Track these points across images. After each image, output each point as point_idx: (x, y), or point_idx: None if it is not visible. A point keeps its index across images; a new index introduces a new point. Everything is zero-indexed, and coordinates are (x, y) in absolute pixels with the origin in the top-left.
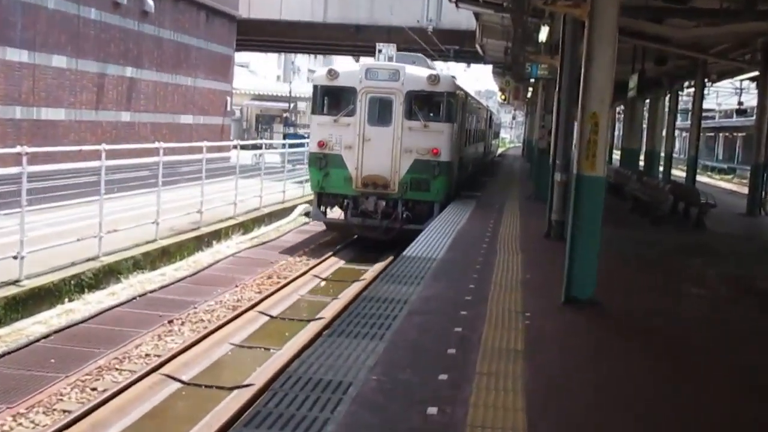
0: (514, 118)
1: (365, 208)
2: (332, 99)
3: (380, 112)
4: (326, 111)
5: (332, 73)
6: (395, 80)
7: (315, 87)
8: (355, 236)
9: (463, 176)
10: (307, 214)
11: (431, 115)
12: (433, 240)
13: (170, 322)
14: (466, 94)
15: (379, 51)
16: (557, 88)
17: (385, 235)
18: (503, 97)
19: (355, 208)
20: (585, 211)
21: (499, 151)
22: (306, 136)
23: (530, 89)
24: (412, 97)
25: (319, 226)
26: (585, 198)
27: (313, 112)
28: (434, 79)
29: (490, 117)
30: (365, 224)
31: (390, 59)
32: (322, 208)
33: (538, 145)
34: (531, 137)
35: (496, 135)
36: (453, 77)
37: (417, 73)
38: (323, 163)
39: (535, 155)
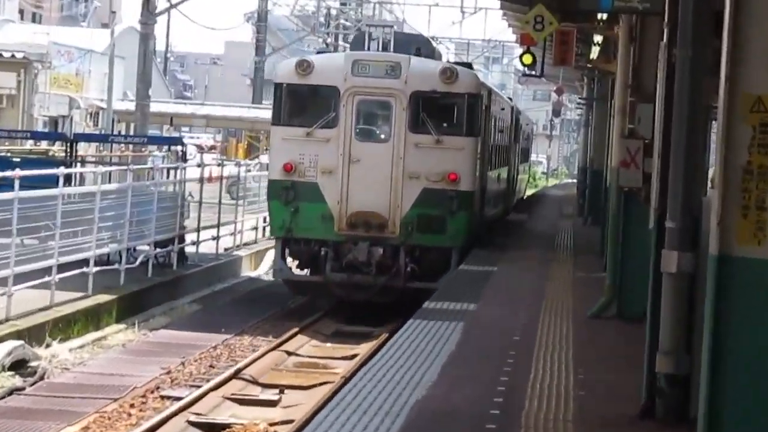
0: (557, 115)
1: (353, 258)
2: (304, 103)
3: (374, 121)
4: (295, 121)
5: (304, 67)
6: (395, 77)
7: (278, 86)
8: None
9: (488, 216)
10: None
11: (446, 125)
12: None
13: None
14: (490, 92)
15: (370, 36)
16: (664, 38)
17: (381, 298)
18: (528, 62)
19: (338, 259)
20: (744, 350)
21: (527, 191)
22: (13, 161)
23: (597, 41)
24: (419, 100)
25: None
26: (743, 316)
27: (276, 121)
28: (450, 74)
29: (517, 120)
30: (353, 282)
31: (385, 47)
32: (290, 260)
33: (619, 180)
34: (599, 159)
35: (525, 155)
36: (469, 66)
37: (425, 66)
38: (290, 195)
39: (613, 205)
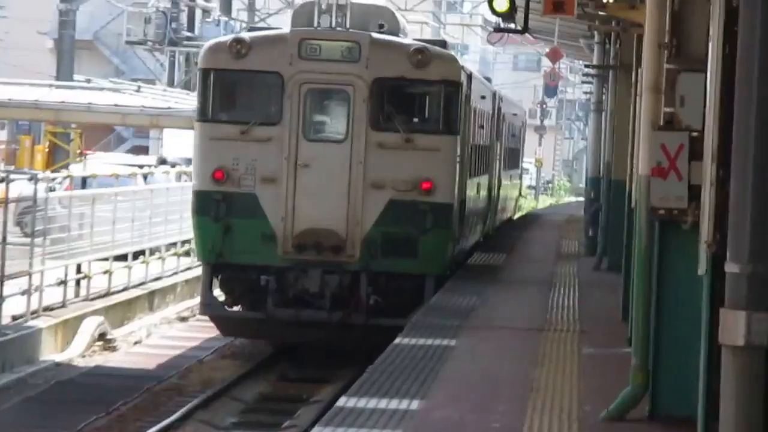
0: (551, 94)
1: (301, 289)
2: (238, 94)
3: (327, 116)
4: (227, 116)
5: (238, 48)
6: (352, 60)
7: (204, 72)
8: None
9: (466, 239)
10: None
11: (417, 121)
12: None
13: None
14: (470, 77)
15: (320, 8)
16: None
17: (337, 339)
18: (503, 9)
19: (282, 290)
20: None
21: (514, 214)
22: None
23: None
24: (383, 89)
25: None
26: None
27: (202, 117)
28: (422, 56)
29: (498, 110)
30: (301, 319)
31: (340, 23)
32: (219, 292)
33: (651, 197)
34: (620, 164)
35: (512, 159)
36: (443, 44)
37: (391, 46)
38: (222, 209)
39: (641, 237)
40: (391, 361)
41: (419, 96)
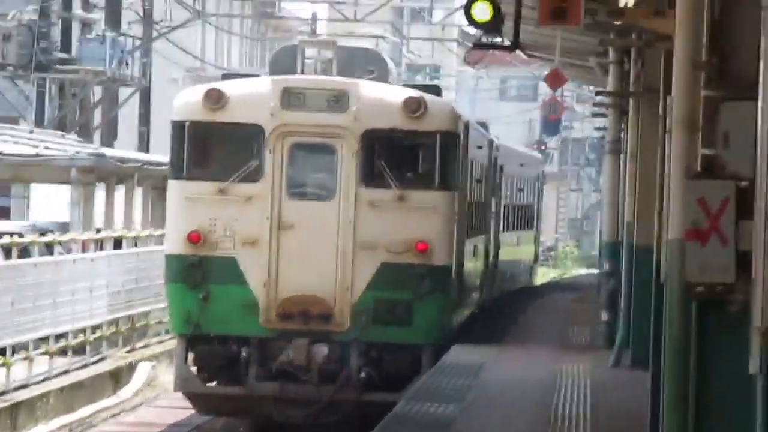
0: (552, 132)
1: (286, 361)
2: (215, 148)
3: (313, 172)
4: (203, 172)
5: (215, 98)
6: (340, 110)
7: (178, 125)
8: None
9: (464, 308)
10: None
11: (411, 176)
12: None
13: None
14: (467, 126)
15: (303, 54)
16: None
17: (326, 416)
18: (485, 18)
19: (265, 363)
20: None
21: (532, 277)
22: None
23: None
24: (374, 142)
25: None
26: None
27: (176, 174)
28: (417, 106)
29: (494, 161)
30: (285, 395)
31: (324, 69)
32: (195, 366)
33: (686, 272)
34: (645, 226)
35: (519, 219)
36: (436, 90)
37: (382, 95)
38: (198, 275)
39: (674, 326)
40: None
41: (413, 149)
